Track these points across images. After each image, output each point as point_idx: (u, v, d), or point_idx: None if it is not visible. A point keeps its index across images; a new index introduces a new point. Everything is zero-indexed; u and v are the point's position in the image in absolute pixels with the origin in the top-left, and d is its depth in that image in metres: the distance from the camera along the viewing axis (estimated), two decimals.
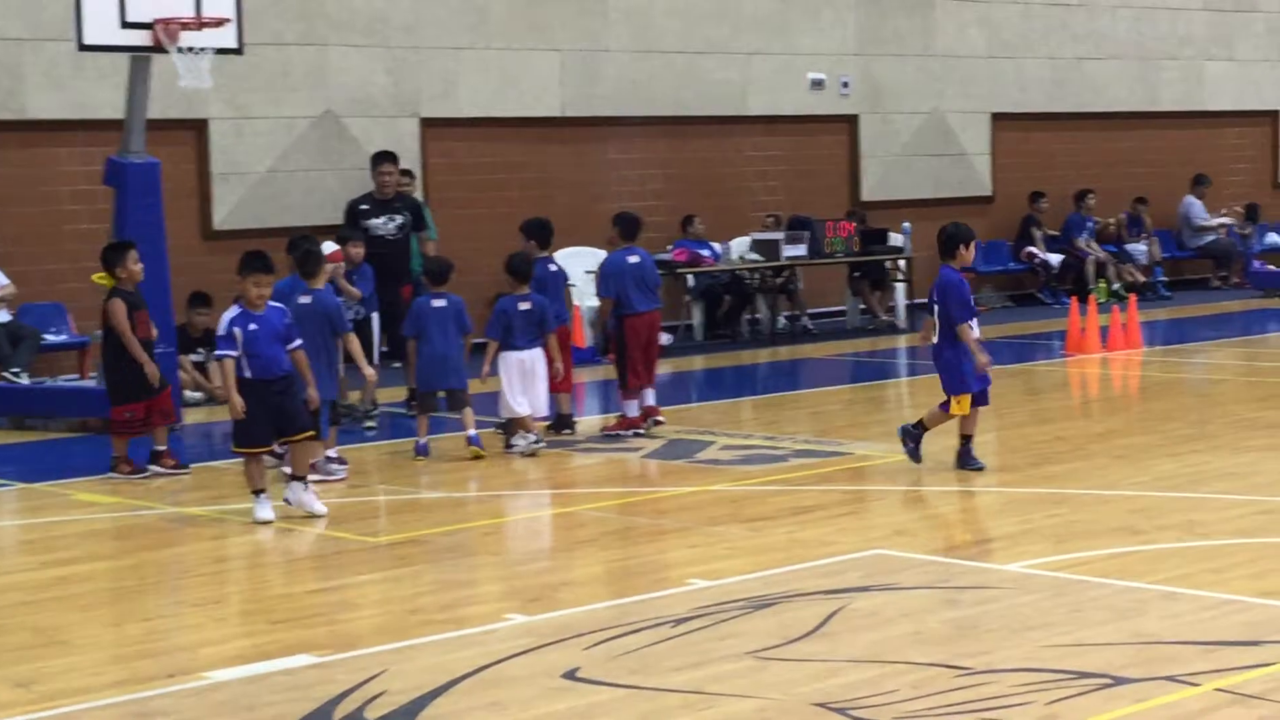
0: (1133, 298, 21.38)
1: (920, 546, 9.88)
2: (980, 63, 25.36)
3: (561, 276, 14.79)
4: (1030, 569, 9.21)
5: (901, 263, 22.71)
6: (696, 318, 21.86)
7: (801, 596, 8.76)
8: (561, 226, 20.68)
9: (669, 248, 21.54)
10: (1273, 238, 28.39)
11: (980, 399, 12.38)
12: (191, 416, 16.01)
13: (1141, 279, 26.05)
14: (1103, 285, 25.06)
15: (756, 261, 21.58)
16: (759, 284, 22.06)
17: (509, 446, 13.55)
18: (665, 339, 20.80)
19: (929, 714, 6.74)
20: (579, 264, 21.04)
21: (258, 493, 11.11)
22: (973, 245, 12.73)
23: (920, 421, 12.47)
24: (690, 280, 21.79)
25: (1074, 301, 20.35)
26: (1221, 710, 6.70)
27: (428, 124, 20.64)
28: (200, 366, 17.27)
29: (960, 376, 12.20)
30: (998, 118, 25.61)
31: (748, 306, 22.28)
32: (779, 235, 21.56)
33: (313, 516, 11.06)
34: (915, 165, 24.83)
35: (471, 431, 13.46)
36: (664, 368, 19.27)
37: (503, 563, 9.99)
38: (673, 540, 10.36)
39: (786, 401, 16.86)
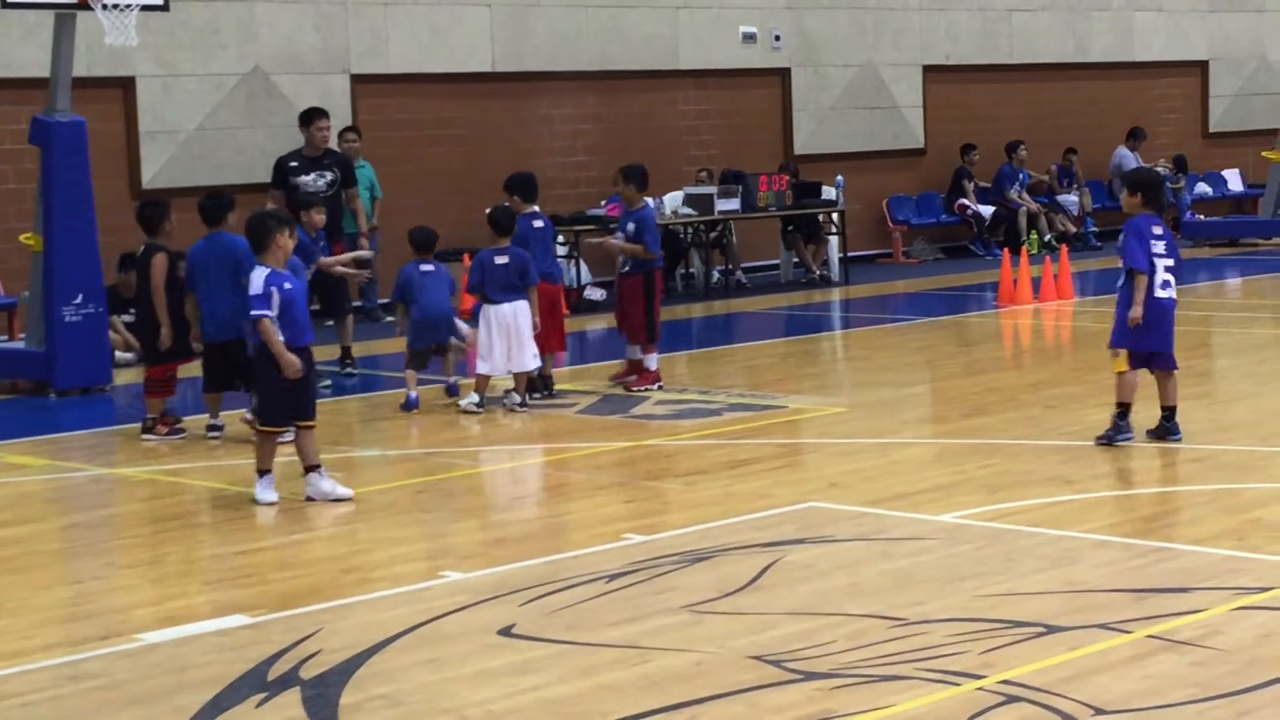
0: (1064, 248, 21.49)
1: (854, 499, 9.91)
2: (911, 15, 25.38)
3: (548, 231, 14.49)
4: (963, 519, 9.25)
5: (835, 216, 22.73)
6: None
7: (737, 550, 8.77)
8: (493, 183, 20.65)
9: (602, 203, 21.49)
10: (1203, 188, 28.59)
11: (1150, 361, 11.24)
12: (122, 377, 15.88)
13: (1073, 230, 26.18)
14: (1034, 236, 25.17)
15: (690, 216, 21.56)
16: (692, 238, 22.04)
17: (457, 400, 13.52)
18: (599, 294, 20.81)
19: (865, 665, 6.76)
20: None
21: (265, 473, 10.28)
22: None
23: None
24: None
25: (1006, 253, 20.42)
26: (1154, 656, 6.75)
27: (358, 80, 20.51)
28: (131, 327, 17.13)
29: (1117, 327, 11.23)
30: (929, 70, 25.65)
31: (681, 261, 22.26)
32: (712, 190, 21.54)
33: (339, 500, 10.29)
34: (848, 118, 24.85)
35: (451, 379, 13.66)
36: (598, 323, 19.28)
37: (437, 520, 9.96)
38: (607, 495, 10.35)
39: (721, 356, 16.87)
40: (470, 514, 10.10)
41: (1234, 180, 29.32)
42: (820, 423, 12.57)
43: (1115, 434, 11.08)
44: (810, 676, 6.65)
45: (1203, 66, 29.09)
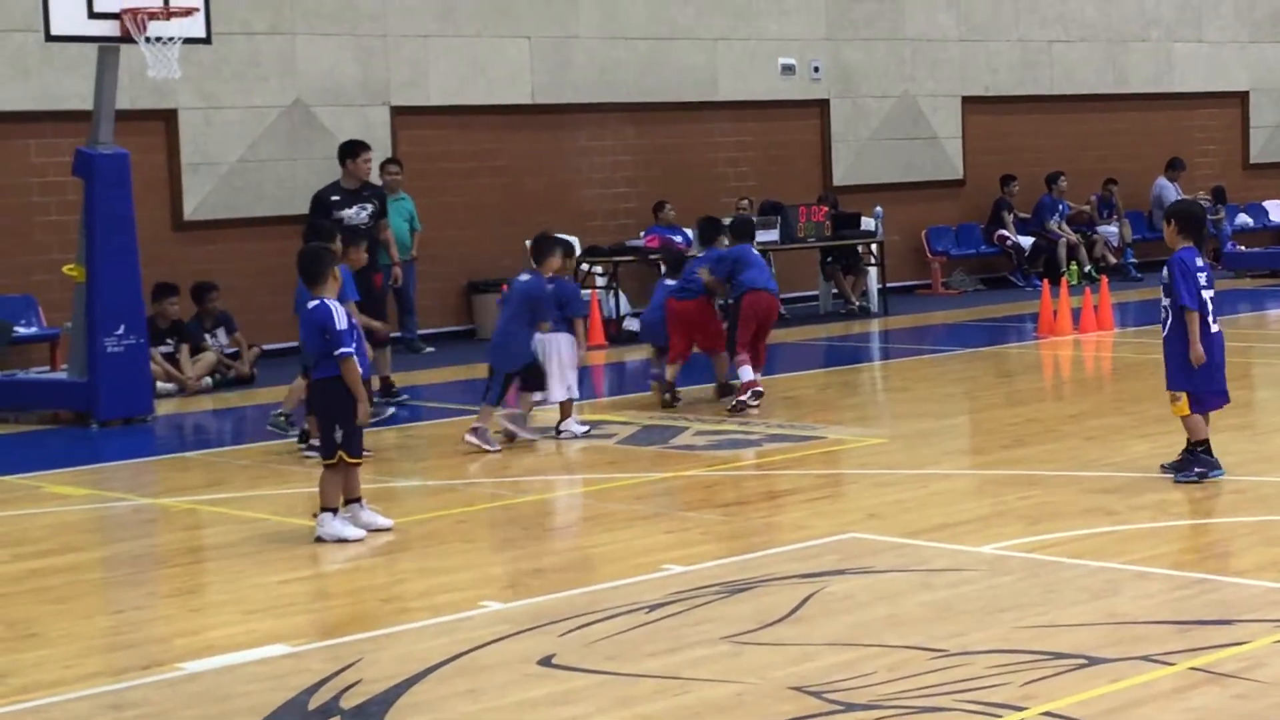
0: (1104, 279, 21.43)
1: (894, 529, 9.89)
2: (951, 46, 25.39)
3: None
4: (1004, 550, 9.22)
5: (874, 247, 22.72)
6: None
7: (776, 581, 8.76)
8: (532, 214, 20.75)
9: (641, 234, 21.53)
10: (1244, 219, 28.49)
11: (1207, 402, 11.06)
12: (164, 408, 15.97)
13: (1113, 260, 26.12)
14: (1074, 267, 25.11)
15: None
16: None
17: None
18: (638, 324, 20.82)
19: (905, 696, 6.74)
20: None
21: (334, 510, 10.11)
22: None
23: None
24: (663, 267, 21.74)
25: (1046, 284, 20.40)
26: (1197, 689, 6.72)
27: (398, 112, 20.61)
28: (170, 358, 17.24)
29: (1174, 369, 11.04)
30: (968, 101, 25.64)
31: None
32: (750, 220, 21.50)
33: (381, 531, 10.25)
34: (886, 149, 24.86)
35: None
36: (637, 354, 19.28)
37: (477, 550, 9.97)
38: (647, 526, 10.35)
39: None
40: (510, 544, 10.11)
41: (1275, 211, 29.20)
42: (860, 454, 12.55)
43: (1207, 470, 10.90)
44: (851, 708, 6.63)
45: (1243, 97, 29.00)
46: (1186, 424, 10.96)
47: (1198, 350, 10.76)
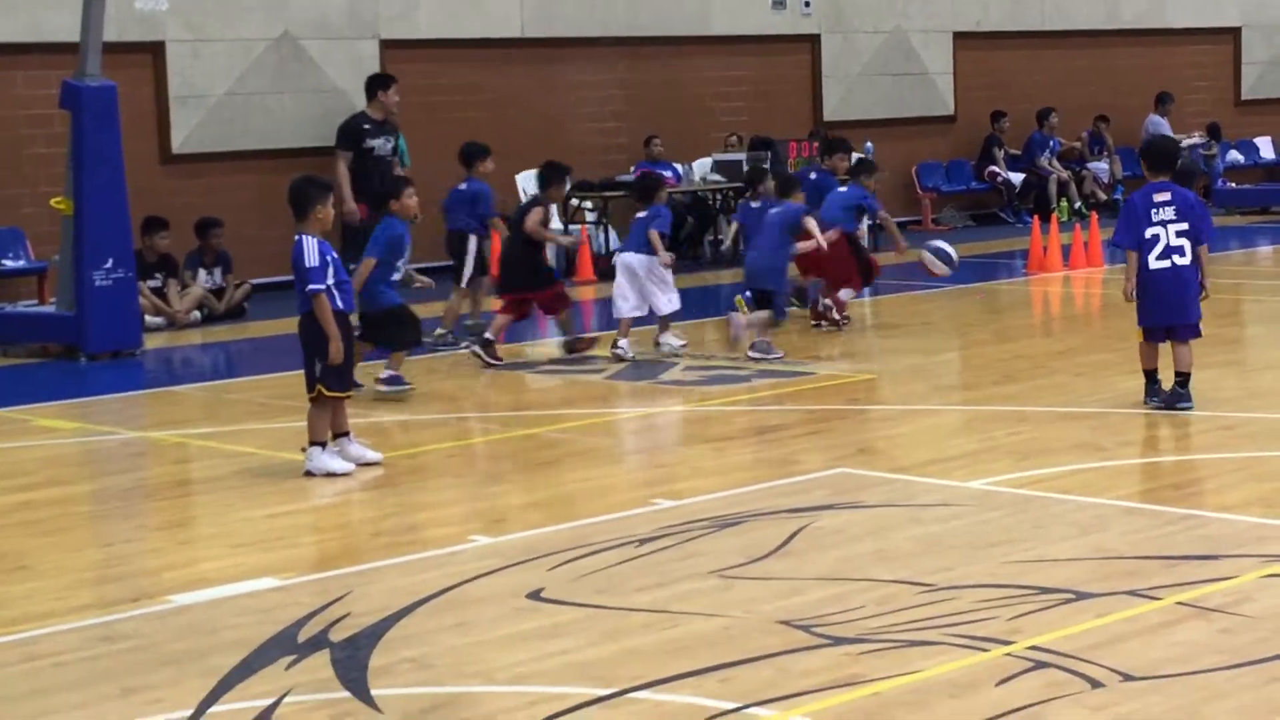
0: (1094, 216, 21.40)
1: (883, 465, 9.90)
2: None
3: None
4: (992, 486, 9.24)
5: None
6: None
7: (765, 515, 8.77)
8: (521, 149, 20.67)
9: (631, 169, 21.47)
10: (1235, 155, 28.45)
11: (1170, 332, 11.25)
12: (151, 342, 15.94)
13: (1103, 197, 26.09)
14: (1064, 204, 25.08)
15: (719, 182, 21.52)
16: (721, 205, 22.00)
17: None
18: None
19: (893, 630, 6.76)
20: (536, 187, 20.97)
21: (322, 444, 10.10)
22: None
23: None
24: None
25: (1036, 220, 20.38)
26: (1183, 623, 6.75)
27: (387, 45, 20.50)
28: (158, 291, 17.20)
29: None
30: (959, 36, 25.54)
31: (710, 227, 22.24)
32: (741, 156, 21.49)
33: (370, 465, 10.27)
34: (877, 85, 24.78)
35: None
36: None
37: (467, 484, 9.98)
38: (637, 461, 10.37)
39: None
40: (500, 479, 10.12)
41: (1266, 148, 29.17)
42: (849, 389, 12.56)
43: (1147, 397, 11.21)
44: (838, 641, 6.65)
45: (1235, 33, 28.92)
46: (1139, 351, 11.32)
47: (1128, 285, 11.12)
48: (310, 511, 9.36)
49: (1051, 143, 25.90)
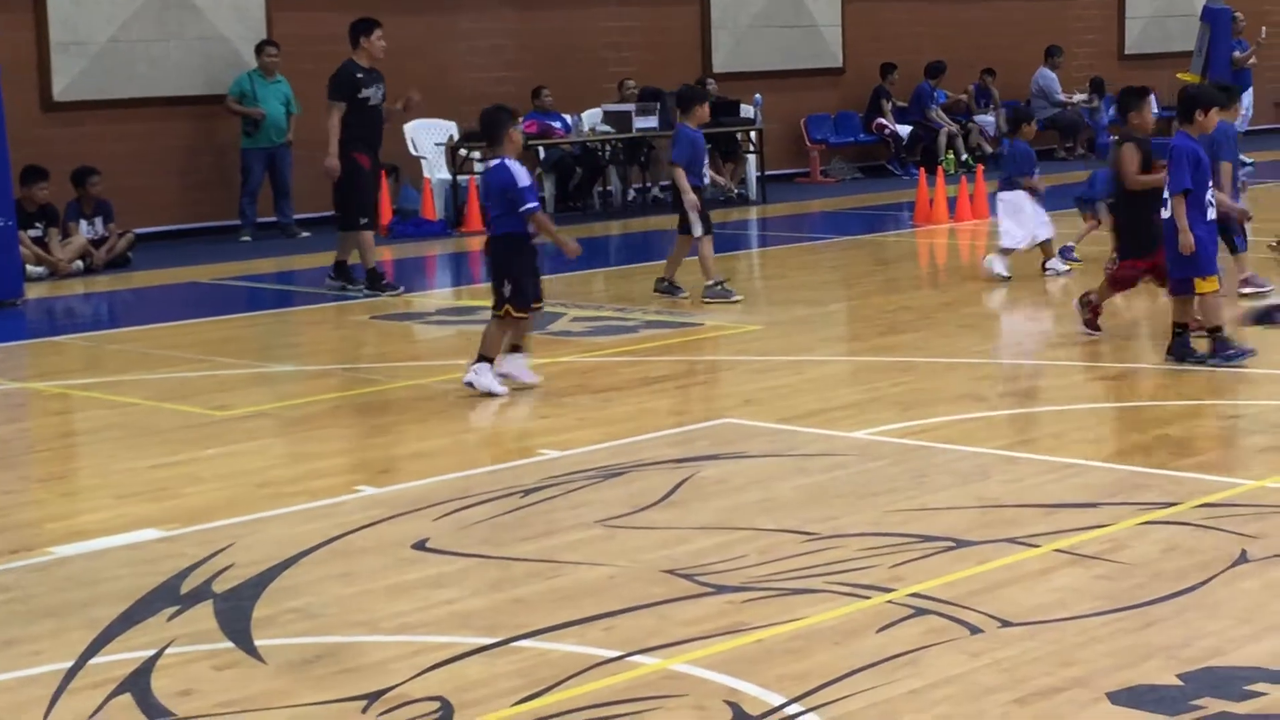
0: (980, 168, 21.56)
1: (768, 415, 9.96)
2: None
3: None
4: (876, 436, 9.32)
5: (753, 134, 22.71)
6: (548, 190, 21.75)
7: (651, 465, 8.81)
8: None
9: (519, 119, 21.35)
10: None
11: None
12: (33, 292, 15.75)
13: (989, 150, 26.28)
14: (951, 156, 25.25)
15: (608, 133, 21.49)
16: (610, 155, 21.98)
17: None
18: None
19: (776, 579, 6.82)
20: (429, 136, 20.88)
21: (490, 360, 10.63)
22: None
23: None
24: (541, 152, 21.67)
25: (923, 172, 20.50)
26: (1060, 570, 6.85)
27: None
28: (39, 241, 16.97)
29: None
30: None
31: (599, 178, 22.21)
32: (630, 107, 21.46)
33: (526, 386, 10.76)
34: (766, 37, 24.79)
35: None
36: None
37: (352, 435, 9.95)
38: (523, 411, 10.37)
39: (637, 273, 16.82)
40: (385, 429, 10.09)
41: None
42: (736, 340, 12.61)
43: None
44: (722, 590, 6.70)
45: None
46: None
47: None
48: (194, 462, 9.29)
49: (939, 95, 26.04)
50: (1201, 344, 10.93)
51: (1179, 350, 10.95)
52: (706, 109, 14.72)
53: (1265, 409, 9.85)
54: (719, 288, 14.16)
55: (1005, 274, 14.82)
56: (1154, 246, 11.37)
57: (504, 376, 10.69)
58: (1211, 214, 10.82)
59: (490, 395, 10.53)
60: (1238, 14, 25.13)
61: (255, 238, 19.28)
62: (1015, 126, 15.67)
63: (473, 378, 10.60)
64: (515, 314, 10.65)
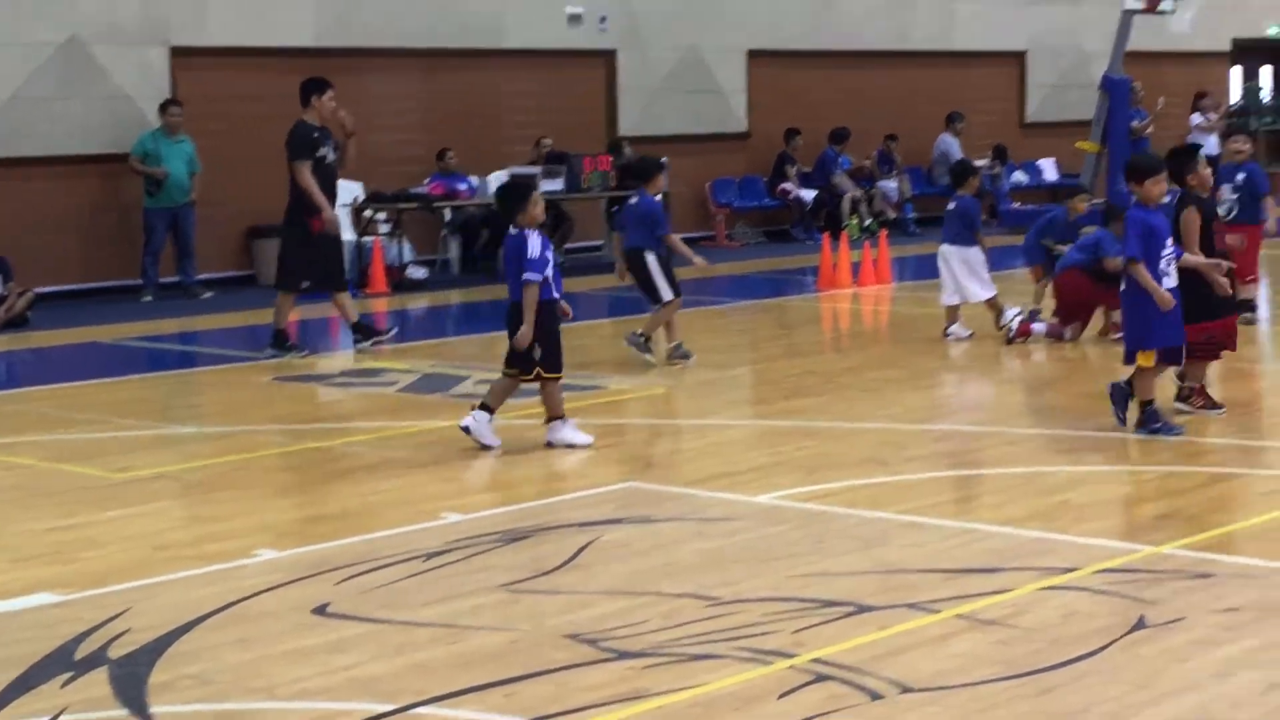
0: (883, 233, 21.74)
1: (673, 479, 9.96)
2: (736, 0, 25.49)
3: None
4: (779, 500, 9.33)
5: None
6: (453, 251, 21.75)
7: (555, 529, 8.79)
8: None
9: (425, 181, 21.40)
10: (1019, 176, 29.05)
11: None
12: None
13: (892, 215, 26.50)
14: (855, 221, 25.44)
15: None
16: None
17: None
18: (421, 273, 20.70)
19: (678, 644, 6.81)
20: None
21: (561, 417, 10.91)
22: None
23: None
24: (447, 214, 21.67)
25: (826, 237, 20.64)
26: (960, 635, 6.87)
27: (178, 52, 20.19)
28: None
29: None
30: (754, 54, 25.80)
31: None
32: (536, 170, 21.50)
33: (574, 447, 10.83)
34: (673, 101, 24.93)
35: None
36: (420, 301, 19.19)
37: (253, 497, 9.85)
38: (427, 474, 10.32)
39: None
40: (287, 492, 10.01)
41: (1049, 169, 29.82)
42: (641, 403, 12.62)
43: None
44: (624, 655, 6.68)
45: (1021, 56, 29.55)
46: None
47: None
48: (92, 525, 9.18)
49: (842, 161, 26.25)
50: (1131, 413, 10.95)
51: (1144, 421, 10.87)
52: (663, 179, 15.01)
53: (1163, 475, 9.95)
54: (679, 349, 14.20)
55: (965, 334, 15.19)
56: (1221, 308, 11.34)
57: (566, 446, 10.81)
58: (1166, 283, 10.75)
59: (484, 447, 10.75)
60: (1136, 84, 25.55)
61: (157, 298, 19.15)
62: (960, 182, 15.89)
63: (470, 423, 10.84)
64: (546, 375, 10.87)
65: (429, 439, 11.35)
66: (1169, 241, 10.83)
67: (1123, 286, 10.97)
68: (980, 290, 15.42)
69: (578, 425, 10.98)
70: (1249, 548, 8.33)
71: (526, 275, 10.76)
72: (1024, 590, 7.47)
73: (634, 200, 14.66)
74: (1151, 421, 10.89)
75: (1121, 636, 6.81)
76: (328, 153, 15.11)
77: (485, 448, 10.78)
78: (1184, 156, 11.71)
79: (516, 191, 11.21)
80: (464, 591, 7.65)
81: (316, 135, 15.08)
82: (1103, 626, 6.93)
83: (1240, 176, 15.38)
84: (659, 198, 14.73)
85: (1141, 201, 10.87)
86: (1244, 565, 7.91)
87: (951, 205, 15.80)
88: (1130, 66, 24.65)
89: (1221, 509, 9.19)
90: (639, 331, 14.28)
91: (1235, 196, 15.27)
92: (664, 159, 22.42)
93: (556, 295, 10.93)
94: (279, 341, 14.96)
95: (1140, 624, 6.96)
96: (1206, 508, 9.14)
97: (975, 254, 15.46)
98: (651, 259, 14.39)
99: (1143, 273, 10.70)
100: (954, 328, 15.36)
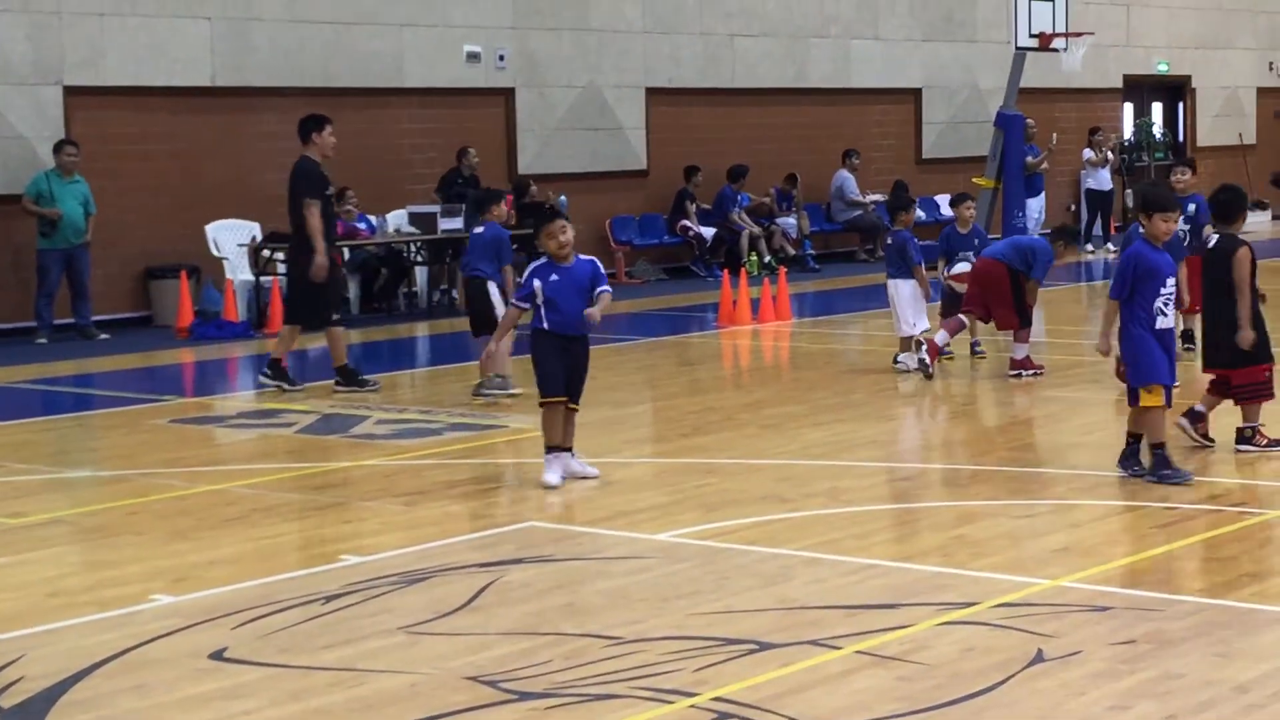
0: (783, 270, 21.84)
1: (573, 518, 9.94)
2: (635, 37, 25.59)
3: None
4: (680, 538, 9.33)
5: None
6: (353, 291, 21.65)
7: (455, 570, 8.74)
8: (211, 198, 20.40)
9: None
10: (916, 212, 29.23)
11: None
12: None
13: (791, 252, 26.63)
14: (754, 258, 25.55)
15: (413, 234, 21.46)
16: (415, 257, 21.93)
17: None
18: None
19: (580, 684, 6.78)
20: (231, 237, 20.70)
21: (553, 449, 10.87)
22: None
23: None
24: (346, 253, 21.56)
25: (726, 274, 20.71)
26: (861, 672, 6.89)
27: (72, 92, 20.02)
28: None
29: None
30: (652, 92, 25.89)
31: (405, 279, 22.16)
32: (435, 209, 21.47)
33: (586, 478, 10.95)
34: (572, 139, 24.97)
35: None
36: (318, 341, 19.06)
37: (149, 542, 9.74)
38: (325, 516, 10.24)
39: (443, 375, 16.81)
40: (183, 536, 9.90)
41: (945, 205, 30.02)
42: (541, 442, 12.56)
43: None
44: (525, 696, 6.65)
45: (917, 94, 29.81)
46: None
47: None
48: None
49: (741, 198, 26.36)
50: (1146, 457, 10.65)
51: (1125, 461, 10.67)
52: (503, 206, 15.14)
53: (1061, 509, 10.03)
54: (500, 380, 14.28)
55: (914, 366, 15.21)
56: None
57: (569, 475, 10.91)
58: (1162, 323, 10.50)
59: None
60: (1030, 120, 25.82)
61: (52, 340, 18.94)
62: (894, 216, 16.11)
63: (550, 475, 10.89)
64: (539, 402, 10.94)
65: (328, 480, 11.28)
66: (1170, 281, 10.53)
67: (1117, 324, 10.64)
68: (903, 325, 15.55)
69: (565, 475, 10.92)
70: (1145, 580, 8.41)
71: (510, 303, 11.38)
72: (923, 626, 7.50)
73: (480, 230, 14.68)
74: (1162, 467, 10.46)
75: (1020, 670, 6.85)
76: (330, 189, 15.07)
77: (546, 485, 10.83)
78: (1236, 197, 11.41)
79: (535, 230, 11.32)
80: (364, 634, 7.60)
81: (323, 172, 14.97)
82: (1001, 661, 6.97)
83: (1191, 207, 15.35)
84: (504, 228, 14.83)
85: (1147, 237, 10.60)
86: (1140, 598, 7.99)
87: (889, 240, 15.99)
88: (1024, 103, 24.92)
89: (1118, 542, 9.27)
90: (498, 374, 14.31)
91: (1188, 227, 15.27)
92: (561, 198, 22.49)
93: (546, 327, 10.80)
94: (350, 377, 14.88)
95: (1038, 658, 7.01)
96: (1103, 541, 9.22)
97: (907, 287, 15.56)
98: (493, 288, 14.44)
99: (1109, 314, 10.63)
100: (903, 357, 15.49)
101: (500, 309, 14.18)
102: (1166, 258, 10.65)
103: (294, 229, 14.90)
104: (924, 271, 15.64)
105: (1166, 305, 10.55)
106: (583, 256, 11.02)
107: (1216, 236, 11.42)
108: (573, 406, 10.96)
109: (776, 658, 7.08)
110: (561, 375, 10.84)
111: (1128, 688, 6.65)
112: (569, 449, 10.99)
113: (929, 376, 14.87)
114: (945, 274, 15.99)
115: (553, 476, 10.80)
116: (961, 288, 15.55)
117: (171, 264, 20.17)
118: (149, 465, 12.07)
